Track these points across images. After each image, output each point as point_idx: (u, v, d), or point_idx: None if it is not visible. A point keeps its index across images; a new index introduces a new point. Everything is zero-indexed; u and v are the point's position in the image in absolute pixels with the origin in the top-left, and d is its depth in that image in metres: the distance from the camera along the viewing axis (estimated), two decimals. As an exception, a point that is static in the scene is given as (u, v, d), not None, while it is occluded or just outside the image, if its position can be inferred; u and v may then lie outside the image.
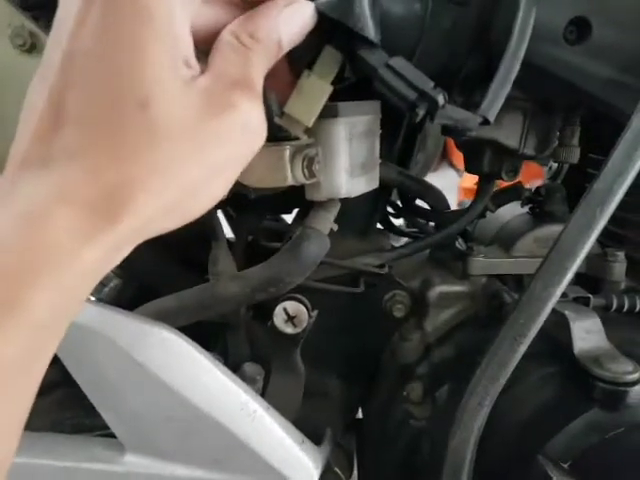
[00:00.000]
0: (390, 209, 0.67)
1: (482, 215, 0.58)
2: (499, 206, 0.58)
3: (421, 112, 0.31)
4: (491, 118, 0.35)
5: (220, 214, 0.66)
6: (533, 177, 1.07)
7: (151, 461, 0.45)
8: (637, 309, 0.51)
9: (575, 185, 0.61)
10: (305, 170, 0.42)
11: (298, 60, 0.35)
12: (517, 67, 0.36)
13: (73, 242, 0.22)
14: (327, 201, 0.47)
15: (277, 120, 0.35)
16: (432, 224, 0.64)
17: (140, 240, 0.25)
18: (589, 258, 0.54)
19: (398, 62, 0.31)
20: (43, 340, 0.22)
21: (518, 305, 0.40)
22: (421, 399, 0.53)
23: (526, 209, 0.61)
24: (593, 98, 0.42)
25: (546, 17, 0.40)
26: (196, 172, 0.25)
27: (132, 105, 0.23)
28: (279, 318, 0.46)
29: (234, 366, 0.53)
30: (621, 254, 0.53)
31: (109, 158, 0.23)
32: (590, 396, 0.41)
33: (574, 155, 0.48)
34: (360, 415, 0.67)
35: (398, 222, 0.71)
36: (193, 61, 0.26)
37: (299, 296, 0.47)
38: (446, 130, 0.52)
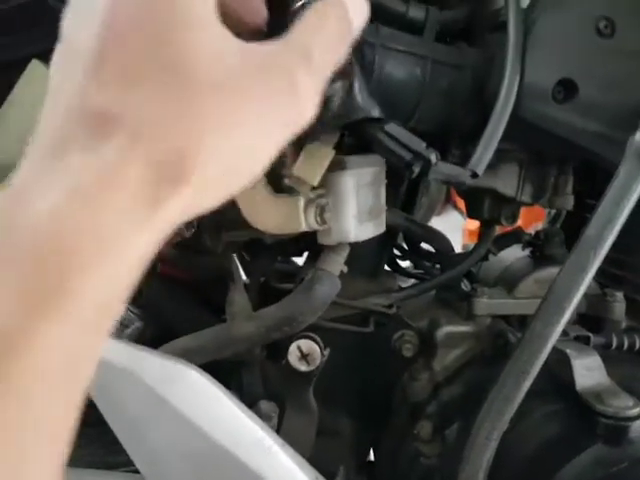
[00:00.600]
0: (397, 252, 0.70)
1: (485, 258, 0.61)
2: (501, 249, 0.61)
3: (416, 170, 0.35)
4: (480, 172, 0.39)
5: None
6: (535, 220, 1.10)
7: (171, 496, 0.46)
8: (637, 347, 0.53)
9: (573, 229, 0.64)
10: (317, 218, 0.45)
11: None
12: (503, 126, 0.40)
13: (121, 227, 0.20)
14: (337, 245, 0.50)
15: (286, 181, 0.39)
16: (437, 266, 0.67)
17: (183, 220, 0.23)
18: (589, 298, 0.56)
19: (393, 128, 0.36)
20: (85, 344, 0.20)
21: (521, 343, 0.43)
22: (431, 437, 0.54)
23: (527, 252, 0.63)
24: (582, 150, 0.46)
25: (536, 79, 0.44)
26: (243, 140, 0.24)
27: (175, 72, 0.22)
28: (293, 356, 0.49)
29: (249, 403, 0.55)
30: (620, 294, 0.55)
31: (151, 120, 0.21)
32: (593, 431, 0.43)
33: (568, 202, 0.52)
34: (372, 457, 0.68)
35: (405, 264, 0.73)
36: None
37: (312, 335, 0.50)
38: (446, 181, 0.56)
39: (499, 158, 0.51)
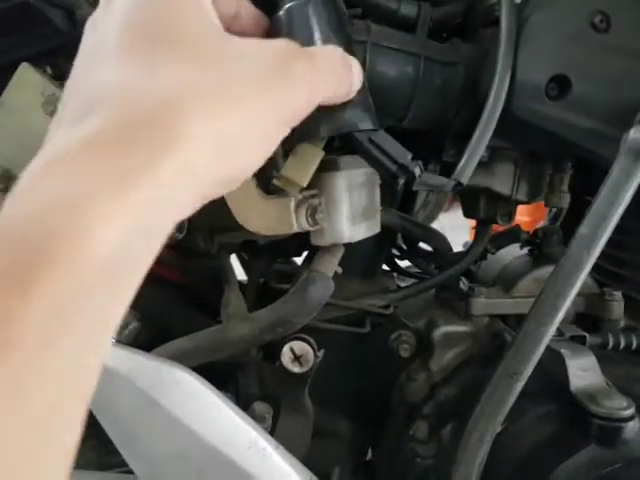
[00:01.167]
0: (395, 251, 0.69)
1: (483, 257, 0.60)
2: (499, 248, 0.60)
3: (401, 181, 0.35)
4: (464, 182, 0.38)
5: (234, 258, 0.69)
6: (542, 218, 1.08)
7: (165, 498, 0.46)
8: (633, 347, 0.52)
9: (573, 227, 0.63)
10: (309, 219, 0.45)
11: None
12: (489, 134, 0.40)
13: (92, 193, 0.19)
14: (331, 246, 0.50)
15: (275, 181, 0.39)
16: (434, 265, 0.67)
17: (196, 190, 0.23)
18: (588, 297, 0.56)
19: (380, 136, 0.35)
20: (117, 276, 0.20)
21: (514, 344, 0.42)
22: (427, 438, 0.54)
23: (525, 251, 0.63)
24: (576, 147, 0.45)
25: (529, 75, 0.44)
26: (250, 113, 0.24)
27: (177, 42, 0.24)
28: (286, 358, 0.49)
29: (245, 405, 0.55)
30: (618, 293, 0.54)
31: (149, 82, 0.22)
32: (587, 432, 0.42)
33: (564, 200, 0.51)
34: (370, 456, 0.68)
35: (404, 263, 0.73)
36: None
37: (305, 336, 0.50)
38: (430, 190, 0.55)
39: (494, 157, 0.50)
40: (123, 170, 0.20)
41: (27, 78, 0.44)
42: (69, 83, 0.25)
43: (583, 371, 0.45)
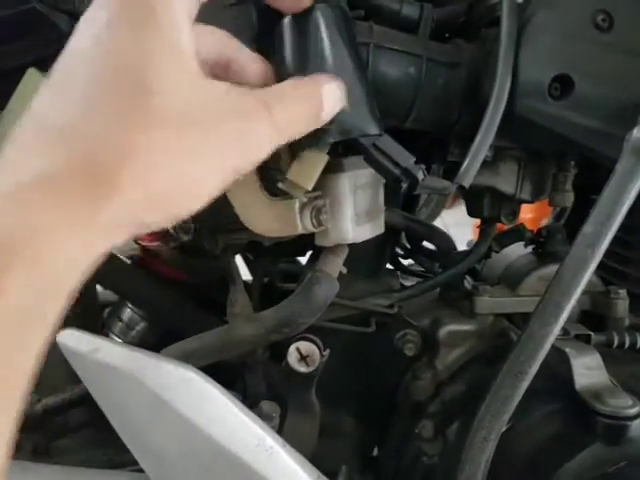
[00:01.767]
0: (400, 250, 0.70)
1: (487, 255, 0.60)
2: (503, 247, 0.61)
3: (404, 185, 0.35)
4: (466, 185, 0.39)
5: (239, 258, 0.70)
6: (547, 216, 1.08)
7: (175, 495, 0.47)
8: (638, 345, 0.52)
9: (578, 226, 0.63)
10: (314, 220, 0.45)
11: None
12: (492, 135, 0.40)
13: (61, 229, 0.21)
14: (336, 246, 0.50)
15: (280, 185, 0.40)
16: (438, 264, 0.67)
17: (125, 234, 0.24)
18: (593, 296, 0.56)
19: (384, 142, 0.36)
20: (26, 327, 0.21)
21: (518, 343, 0.42)
22: (432, 436, 0.54)
23: (530, 249, 0.63)
24: (580, 147, 0.45)
25: (531, 75, 0.44)
26: (187, 167, 0.25)
27: (137, 92, 0.24)
28: (292, 357, 0.49)
29: (252, 404, 0.55)
30: (623, 291, 0.54)
31: (101, 133, 0.23)
32: (592, 431, 0.43)
33: (568, 199, 0.51)
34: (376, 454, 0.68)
35: (408, 262, 0.73)
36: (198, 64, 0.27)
37: (311, 336, 0.50)
38: (446, 178, 0.55)
39: (498, 156, 0.50)
40: (56, 222, 0.22)
41: (35, 82, 0.45)
42: (40, 101, 0.25)
43: (588, 369, 0.45)
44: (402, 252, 0.69)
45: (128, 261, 0.67)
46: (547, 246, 0.60)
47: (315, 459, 0.50)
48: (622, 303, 0.54)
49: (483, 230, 0.58)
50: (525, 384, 0.42)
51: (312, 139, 0.34)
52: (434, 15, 0.48)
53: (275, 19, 0.36)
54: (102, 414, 0.48)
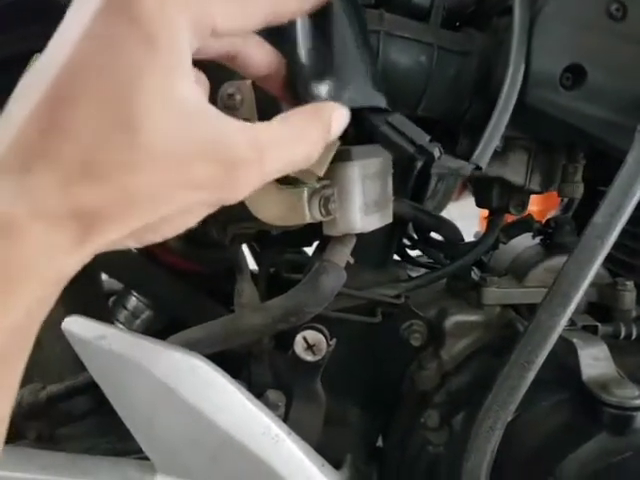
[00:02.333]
0: (407, 241, 0.70)
1: (495, 247, 0.60)
2: (511, 238, 0.60)
3: (419, 164, 0.34)
4: (483, 165, 0.38)
5: (245, 248, 0.70)
6: (552, 208, 1.08)
7: (181, 482, 0.47)
8: (646, 337, 0.52)
9: (586, 217, 0.63)
10: (322, 209, 0.45)
11: None
12: (506, 119, 0.40)
13: (43, 256, 0.23)
14: (343, 236, 0.50)
15: (291, 172, 0.39)
16: (445, 255, 0.67)
17: (103, 250, 0.26)
18: (600, 287, 0.56)
19: (397, 119, 0.35)
20: (18, 341, 0.23)
21: (526, 333, 0.42)
22: (438, 426, 0.54)
23: (537, 240, 0.63)
24: (591, 138, 0.45)
25: (543, 65, 0.44)
26: (166, 208, 0.25)
27: (121, 129, 0.23)
28: (299, 346, 0.49)
29: (257, 393, 0.56)
30: (630, 283, 0.54)
31: (88, 177, 0.23)
32: (598, 421, 0.43)
33: (577, 190, 0.51)
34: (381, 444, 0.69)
35: (415, 253, 0.73)
36: (197, 91, 0.26)
37: (318, 325, 0.50)
38: (449, 174, 0.55)
39: (507, 146, 0.50)
40: (55, 249, 0.23)
41: None
42: (12, 122, 0.24)
43: (595, 360, 0.45)
44: (409, 243, 0.69)
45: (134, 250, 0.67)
46: (555, 237, 0.59)
47: (320, 448, 0.50)
48: (629, 295, 0.54)
49: (491, 221, 0.57)
50: (532, 374, 0.42)
51: None
52: (445, 3, 0.48)
53: None
54: (106, 402, 0.48)
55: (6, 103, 0.28)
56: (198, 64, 0.28)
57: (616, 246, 0.41)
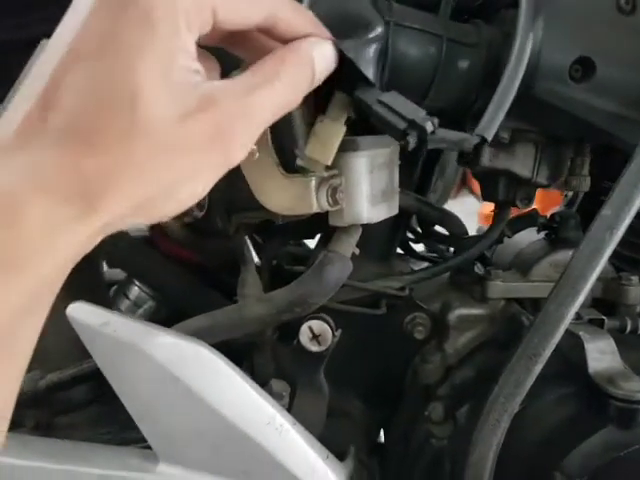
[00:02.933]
0: (410, 235, 0.69)
1: (499, 241, 0.60)
2: (515, 232, 0.60)
3: (412, 140, 0.33)
4: (489, 137, 0.37)
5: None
6: (552, 205, 1.08)
7: (183, 471, 0.47)
8: (651, 331, 0.52)
9: (590, 212, 0.63)
10: (330, 199, 0.45)
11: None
12: (514, 90, 0.39)
13: (48, 233, 0.22)
14: (349, 227, 0.50)
15: (299, 162, 0.39)
16: (450, 249, 0.67)
17: (111, 231, 0.26)
18: (604, 282, 0.56)
19: (389, 97, 0.34)
20: (21, 324, 0.23)
21: (533, 325, 0.42)
22: (442, 419, 0.54)
23: (542, 235, 0.63)
24: (599, 131, 0.45)
25: (553, 57, 0.43)
26: (171, 175, 0.26)
27: (121, 103, 0.24)
28: (304, 336, 0.49)
29: (260, 384, 0.55)
30: (635, 278, 0.54)
31: (89, 148, 0.23)
32: (605, 414, 0.43)
33: (585, 184, 0.51)
34: (382, 439, 0.69)
35: (418, 247, 0.73)
36: (194, 67, 0.27)
37: (324, 315, 0.50)
38: (461, 160, 0.55)
39: (515, 139, 0.50)
40: (60, 222, 0.23)
41: None
42: (19, 103, 0.25)
43: (601, 354, 0.45)
44: (412, 236, 0.69)
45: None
46: (560, 232, 0.59)
47: (322, 440, 0.50)
48: (634, 290, 0.54)
49: (497, 214, 0.57)
50: (539, 367, 0.42)
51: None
52: (454, -5, 0.48)
53: None
54: (107, 391, 0.48)
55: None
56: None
57: (621, 242, 0.41)
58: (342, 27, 0.37)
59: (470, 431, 0.45)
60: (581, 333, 0.46)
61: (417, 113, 0.34)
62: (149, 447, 0.49)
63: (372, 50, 0.36)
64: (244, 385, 0.46)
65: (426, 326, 0.59)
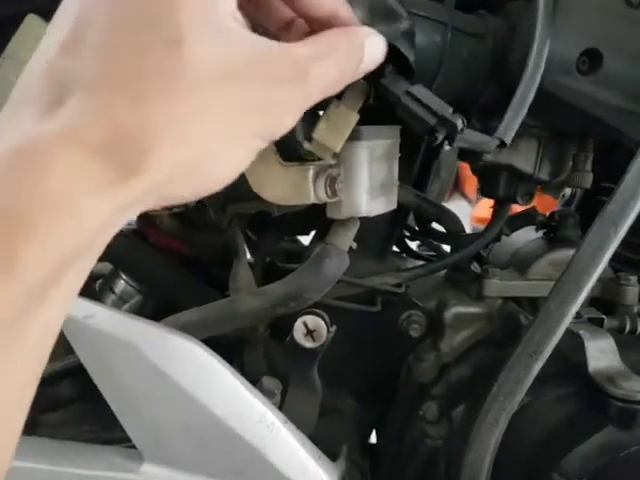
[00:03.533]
0: (406, 232, 0.68)
1: (497, 239, 0.59)
2: (514, 230, 0.59)
3: (440, 136, 0.33)
4: (507, 141, 0.37)
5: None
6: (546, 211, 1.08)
7: (169, 471, 0.45)
8: (651, 332, 0.51)
9: (588, 212, 0.63)
10: (328, 189, 0.43)
11: None
12: (532, 94, 0.38)
13: (76, 193, 0.19)
14: (347, 220, 0.48)
15: (307, 146, 0.37)
16: (447, 247, 0.66)
17: (153, 203, 0.23)
18: (603, 282, 0.55)
19: (418, 90, 0.34)
20: (40, 299, 0.19)
21: (534, 322, 0.41)
22: (437, 418, 0.53)
23: (540, 234, 0.62)
24: (604, 125, 0.44)
25: (560, 49, 0.43)
26: (223, 131, 0.23)
27: (163, 43, 0.21)
28: (299, 332, 0.48)
29: (251, 381, 0.54)
30: (634, 278, 0.54)
31: (129, 96, 0.20)
32: (605, 414, 0.42)
33: (587, 180, 0.50)
34: (374, 440, 0.67)
35: (413, 246, 0.72)
36: (238, 16, 0.24)
37: (319, 311, 0.48)
38: (463, 155, 0.54)
39: (518, 133, 0.49)
40: (94, 181, 0.20)
41: (33, 29, 0.42)
42: (41, 55, 0.22)
43: (602, 353, 0.44)
44: (408, 233, 0.68)
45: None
46: (559, 231, 0.59)
47: (314, 439, 0.48)
48: (632, 290, 0.53)
49: (497, 211, 0.56)
50: (539, 364, 0.41)
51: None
52: (460, -16, 0.47)
53: None
54: (90, 387, 0.46)
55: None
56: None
57: (621, 243, 0.40)
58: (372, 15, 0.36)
59: (466, 431, 0.44)
60: (581, 332, 0.45)
61: (447, 110, 0.33)
62: (134, 447, 0.47)
63: (408, 41, 0.35)
64: (235, 382, 0.44)
65: (422, 324, 0.58)
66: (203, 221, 0.60)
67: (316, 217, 0.48)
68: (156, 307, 0.67)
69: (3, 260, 0.18)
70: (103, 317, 0.44)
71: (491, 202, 0.58)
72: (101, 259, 0.72)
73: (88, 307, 0.44)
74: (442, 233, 0.63)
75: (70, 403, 0.64)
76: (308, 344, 0.47)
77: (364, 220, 0.48)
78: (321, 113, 0.38)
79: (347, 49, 0.28)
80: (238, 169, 0.25)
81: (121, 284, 0.66)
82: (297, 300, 0.47)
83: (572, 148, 0.51)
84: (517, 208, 0.59)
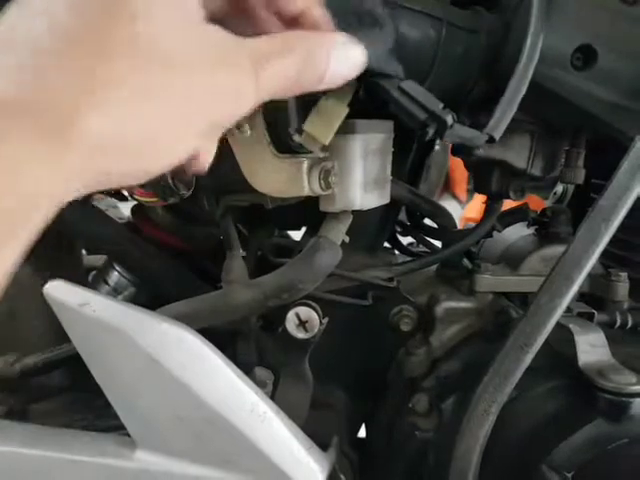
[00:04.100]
0: (398, 227, 0.69)
1: (489, 234, 0.60)
2: (506, 226, 0.60)
3: (431, 131, 0.33)
4: (497, 136, 0.37)
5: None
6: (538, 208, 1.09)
7: (162, 458, 0.45)
8: (640, 327, 0.52)
9: (579, 209, 0.63)
10: (321, 182, 0.44)
11: None
12: (524, 89, 0.39)
13: (11, 155, 0.19)
14: (340, 213, 0.49)
15: (296, 138, 0.38)
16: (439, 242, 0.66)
17: (94, 179, 0.22)
18: (593, 278, 0.56)
19: (410, 85, 0.34)
20: None
21: (525, 315, 0.42)
22: (427, 411, 0.53)
23: (531, 230, 0.62)
24: (598, 121, 0.44)
25: (554, 44, 0.43)
26: (164, 110, 0.22)
27: (117, 13, 0.21)
28: (291, 323, 0.48)
29: (243, 372, 0.54)
30: (624, 274, 0.54)
31: (65, 54, 0.20)
32: (594, 407, 0.42)
33: (579, 176, 0.50)
34: (363, 434, 0.67)
35: (405, 242, 0.72)
36: (200, 6, 0.24)
37: (311, 302, 0.48)
38: (457, 151, 0.54)
39: (511, 129, 0.49)
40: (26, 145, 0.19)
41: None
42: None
43: (592, 347, 0.45)
44: (401, 229, 0.68)
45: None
46: (551, 227, 0.59)
47: (305, 431, 0.48)
48: (622, 286, 0.54)
49: (488, 206, 0.57)
50: (530, 357, 0.41)
51: None
52: (455, -20, 0.47)
53: None
54: (83, 376, 0.46)
55: None
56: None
57: (611, 240, 0.41)
58: (349, 20, 0.36)
59: (457, 423, 0.44)
60: (571, 325, 0.46)
61: (437, 105, 0.34)
62: (127, 435, 0.47)
63: (388, 52, 0.35)
64: (227, 371, 0.44)
65: (412, 318, 0.58)
66: (197, 213, 0.60)
67: (309, 210, 0.48)
68: (149, 299, 0.67)
69: None
70: (98, 305, 0.44)
71: (482, 203, 0.58)
72: (95, 251, 0.72)
73: (83, 295, 0.44)
74: (434, 229, 0.63)
75: (62, 392, 0.64)
76: (300, 335, 0.48)
77: (357, 214, 0.49)
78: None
79: (306, 51, 0.28)
80: (182, 154, 0.25)
81: (115, 276, 0.66)
82: (290, 292, 0.47)
83: (565, 144, 0.51)
84: (510, 204, 0.60)
